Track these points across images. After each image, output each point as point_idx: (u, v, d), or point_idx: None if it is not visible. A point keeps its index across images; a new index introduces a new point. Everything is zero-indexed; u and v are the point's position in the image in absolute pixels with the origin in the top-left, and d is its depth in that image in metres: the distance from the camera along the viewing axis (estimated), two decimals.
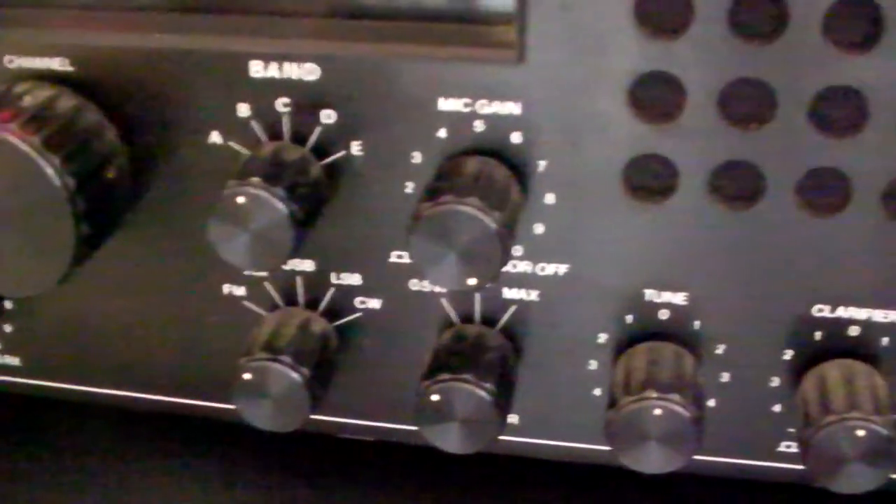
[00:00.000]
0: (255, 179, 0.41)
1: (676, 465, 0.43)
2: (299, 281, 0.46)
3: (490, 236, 0.40)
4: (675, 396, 0.42)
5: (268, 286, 0.47)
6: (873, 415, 0.42)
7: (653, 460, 0.43)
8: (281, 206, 0.41)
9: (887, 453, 0.42)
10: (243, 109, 0.43)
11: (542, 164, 0.42)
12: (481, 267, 0.40)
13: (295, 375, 0.44)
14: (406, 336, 0.47)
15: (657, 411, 0.42)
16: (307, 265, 0.46)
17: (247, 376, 0.44)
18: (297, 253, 0.42)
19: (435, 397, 0.43)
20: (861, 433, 0.42)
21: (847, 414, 0.42)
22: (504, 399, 0.44)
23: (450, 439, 0.44)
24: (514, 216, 0.41)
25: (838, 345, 0.45)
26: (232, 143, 0.44)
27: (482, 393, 0.43)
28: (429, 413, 0.44)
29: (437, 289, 0.46)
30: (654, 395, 0.42)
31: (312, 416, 0.46)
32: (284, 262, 0.42)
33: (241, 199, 0.41)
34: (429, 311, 0.46)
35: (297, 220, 0.41)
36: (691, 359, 0.44)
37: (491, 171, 0.41)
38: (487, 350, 0.44)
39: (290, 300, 0.47)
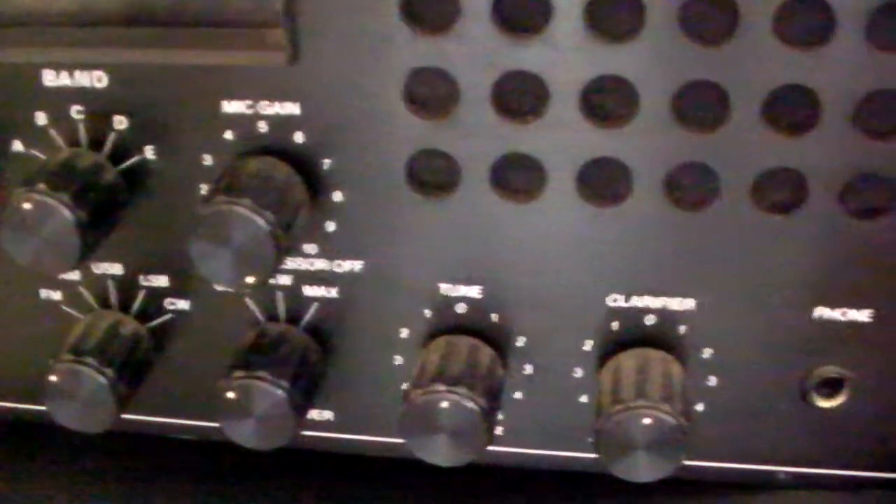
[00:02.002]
0: (41, 186, 0.42)
1: (466, 460, 0.43)
2: (111, 284, 0.47)
3: (262, 236, 0.40)
4: (462, 390, 0.43)
5: (82, 290, 0.48)
6: (661, 403, 0.42)
7: (442, 453, 0.43)
8: (66, 212, 0.42)
9: (675, 441, 0.42)
10: (41, 118, 0.44)
11: (326, 163, 0.43)
12: (257, 265, 0.41)
13: (99, 377, 0.45)
14: (218, 335, 0.47)
15: (444, 404, 0.43)
16: (117, 268, 0.47)
17: (53, 378, 0.45)
18: (88, 257, 0.43)
19: (231, 394, 0.44)
20: (647, 421, 0.42)
21: (634, 402, 0.42)
22: (301, 396, 0.44)
23: (247, 435, 0.44)
24: (294, 215, 0.42)
25: (637, 334, 0.45)
26: (34, 151, 0.45)
27: (277, 390, 0.44)
28: (227, 410, 0.44)
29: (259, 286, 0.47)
30: (443, 387, 0.43)
31: (131, 417, 0.47)
32: (76, 266, 0.43)
33: (27, 206, 0.42)
34: (235, 310, 0.47)
35: (84, 224, 0.42)
36: (489, 351, 0.45)
37: (270, 171, 0.42)
38: (287, 347, 0.45)
39: (107, 303, 0.48)
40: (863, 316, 0.44)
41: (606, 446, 0.43)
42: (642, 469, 0.43)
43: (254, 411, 0.44)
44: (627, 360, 0.44)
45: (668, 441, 0.42)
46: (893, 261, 0.43)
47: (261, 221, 0.40)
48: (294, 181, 0.42)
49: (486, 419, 0.43)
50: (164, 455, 0.51)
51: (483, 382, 0.44)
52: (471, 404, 0.43)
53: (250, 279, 0.41)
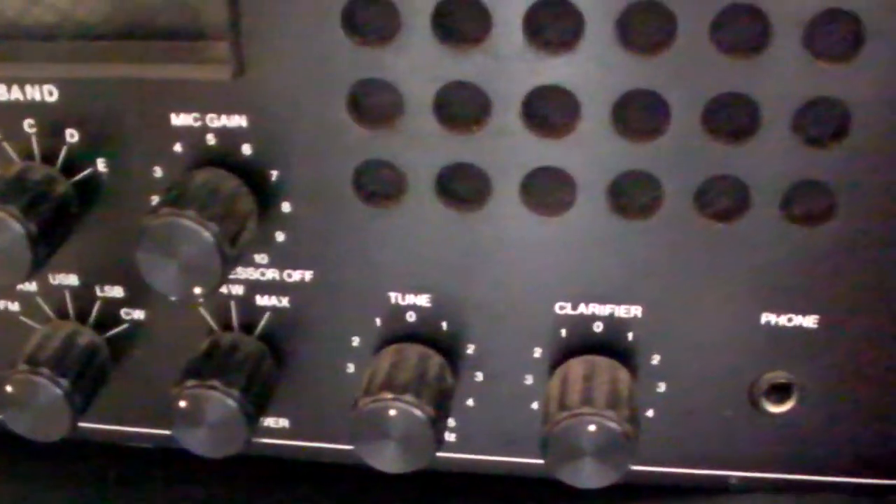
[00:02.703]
0: None
1: (415, 466, 0.44)
2: (68, 295, 0.48)
3: (208, 247, 0.41)
4: (409, 397, 0.43)
5: (39, 300, 0.48)
6: (607, 410, 0.43)
7: (391, 460, 0.44)
8: (16, 225, 0.42)
9: (621, 448, 0.43)
10: None
11: (274, 174, 0.43)
12: (203, 276, 0.41)
13: (54, 387, 0.45)
14: (173, 345, 0.48)
15: (392, 412, 0.43)
16: (73, 279, 0.47)
17: (9, 389, 0.46)
18: (40, 269, 0.43)
19: (183, 403, 0.44)
20: (592, 428, 0.43)
21: (579, 409, 0.43)
22: (253, 404, 0.45)
23: (200, 443, 0.45)
24: (241, 226, 0.42)
25: (586, 341, 0.45)
26: None
27: (228, 399, 0.44)
28: (180, 419, 0.45)
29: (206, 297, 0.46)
30: (389, 395, 0.43)
31: (88, 425, 0.48)
32: (27, 278, 0.43)
33: None
34: (191, 320, 0.47)
35: (35, 237, 0.42)
36: (439, 359, 0.46)
37: (217, 183, 0.42)
38: (239, 356, 0.45)
39: (64, 313, 0.48)
40: (809, 322, 0.44)
41: (553, 453, 0.43)
42: (588, 475, 0.43)
43: (205, 420, 0.44)
44: (575, 367, 0.45)
45: (613, 447, 0.43)
46: (837, 267, 0.43)
47: (205, 233, 0.40)
48: (241, 192, 0.43)
49: (433, 427, 0.43)
50: (122, 463, 0.51)
51: (431, 390, 0.44)
52: (418, 412, 0.43)
53: (197, 290, 0.41)
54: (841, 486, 0.48)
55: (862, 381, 0.45)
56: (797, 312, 0.44)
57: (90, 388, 0.47)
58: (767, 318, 0.44)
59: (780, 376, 0.45)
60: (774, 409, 0.46)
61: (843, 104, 0.40)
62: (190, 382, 0.44)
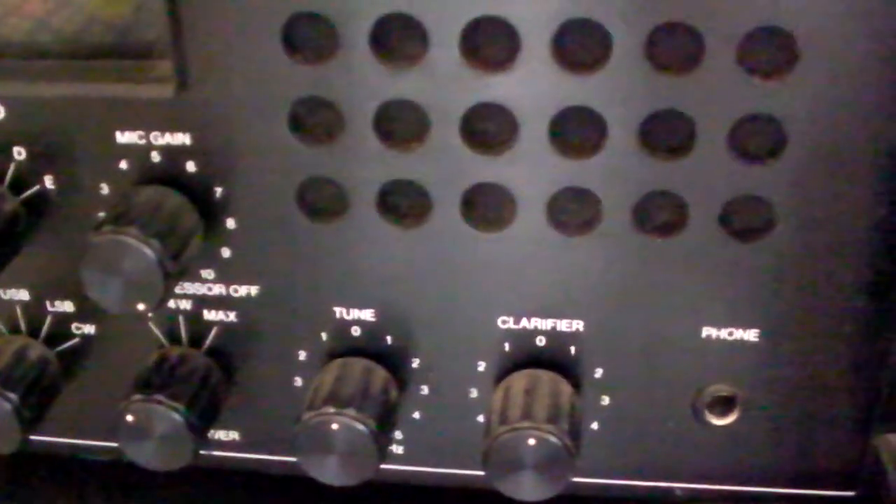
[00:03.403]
0: None
1: (359, 480, 0.44)
2: (19, 309, 0.48)
3: (149, 264, 0.41)
4: (352, 411, 0.43)
5: None
6: (546, 423, 0.43)
7: (335, 473, 0.44)
8: None
9: (561, 461, 0.43)
10: None
11: (219, 191, 0.44)
12: (146, 292, 0.42)
13: (1, 401, 0.46)
14: (124, 359, 0.48)
15: (335, 426, 0.43)
16: (24, 294, 0.48)
17: None
18: None
19: (129, 417, 0.45)
20: (532, 442, 0.43)
21: (519, 423, 0.43)
22: (199, 418, 0.45)
23: (147, 457, 0.45)
24: (184, 243, 0.43)
25: (529, 355, 0.46)
26: None
27: (173, 413, 0.45)
28: (127, 433, 0.45)
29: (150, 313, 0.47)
30: (332, 409, 0.44)
31: (40, 438, 0.48)
32: None
33: None
34: (141, 334, 0.48)
35: None
36: (383, 373, 0.46)
37: (160, 200, 0.43)
38: (185, 370, 0.46)
39: (15, 328, 0.49)
40: (750, 335, 0.45)
41: (493, 466, 0.44)
42: (529, 488, 0.44)
43: (152, 433, 0.45)
44: (517, 381, 0.45)
45: (553, 461, 0.43)
46: (777, 281, 0.44)
47: (147, 250, 0.41)
48: (185, 209, 0.43)
49: (376, 440, 0.44)
50: (74, 476, 0.51)
51: (375, 404, 0.45)
52: (360, 426, 0.44)
53: (141, 306, 0.42)
54: (786, 498, 0.48)
55: (804, 394, 0.46)
56: (738, 326, 0.45)
57: (40, 403, 0.47)
58: (708, 331, 0.45)
59: (722, 389, 0.46)
60: (718, 421, 0.47)
61: (778, 120, 0.41)
62: (136, 396, 0.45)
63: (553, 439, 0.43)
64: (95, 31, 0.43)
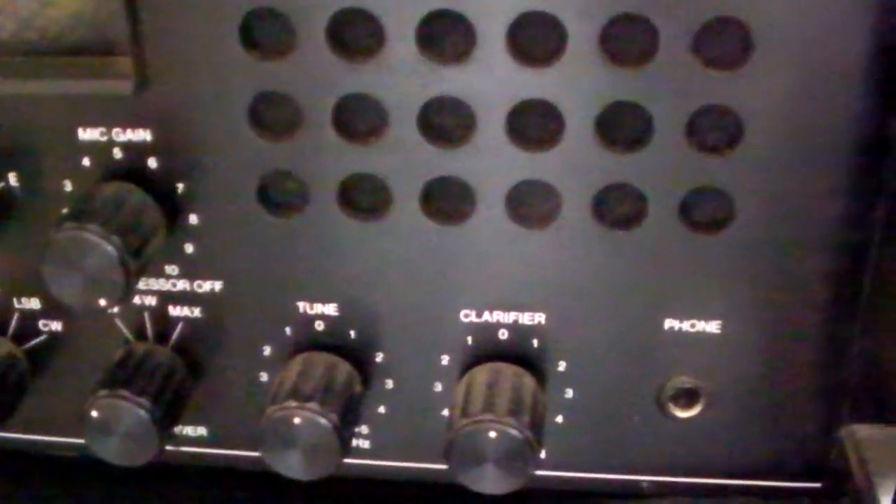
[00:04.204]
0: None
1: (322, 473, 0.44)
2: None
3: (110, 260, 0.41)
4: (314, 405, 0.44)
5: None
6: (508, 417, 0.43)
7: (299, 467, 0.44)
8: None
9: (522, 454, 0.43)
10: None
11: (181, 187, 0.44)
12: (107, 289, 0.42)
13: None
14: (91, 355, 0.48)
15: (297, 420, 0.44)
16: None
17: None
18: None
19: (94, 413, 0.45)
20: (493, 435, 0.43)
21: (480, 416, 0.43)
22: (164, 413, 0.45)
23: (113, 453, 0.45)
24: (146, 239, 0.43)
25: (492, 348, 0.46)
26: None
27: (138, 409, 0.45)
28: (93, 428, 0.45)
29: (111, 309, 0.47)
30: (294, 403, 0.44)
31: (7, 435, 0.49)
32: None
33: None
34: (107, 331, 0.48)
35: None
36: (347, 367, 0.46)
37: (122, 197, 0.43)
38: (150, 366, 0.46)
39: None
40: (712, 327, 0.45)
41: (456, 459, 0.44)
42: (491, 481, 0.44)
43: (117, 429, 0.45)
44: (480, 375, 0.45)
45: (515, 454, 0.43)
46: (737, 272, 0.44)
47: (108, 246, 0.41)
48: (147, 205, 0.43)
49: (339, 434, 0.44)
50: (41, 472, 0.52)
51: (338, 398, 0.45)
52: (323, 420, 0.44)
53: (103, 302, 0.42)
54: (752, 490, 0.48)
55: (768, 385, 0.46)
56: (700, 318, 0.45)
57: (7, 399, 0.47)
58: (671, 324, 0.45)
59: (686, 381, 0.46)
60: (682, 413, 0.47)
61: (734, 111, 0.41)
62: (101, 392, 0.45)
63: (514, 432, 0.43)
64: (58, 28, 0.43)
